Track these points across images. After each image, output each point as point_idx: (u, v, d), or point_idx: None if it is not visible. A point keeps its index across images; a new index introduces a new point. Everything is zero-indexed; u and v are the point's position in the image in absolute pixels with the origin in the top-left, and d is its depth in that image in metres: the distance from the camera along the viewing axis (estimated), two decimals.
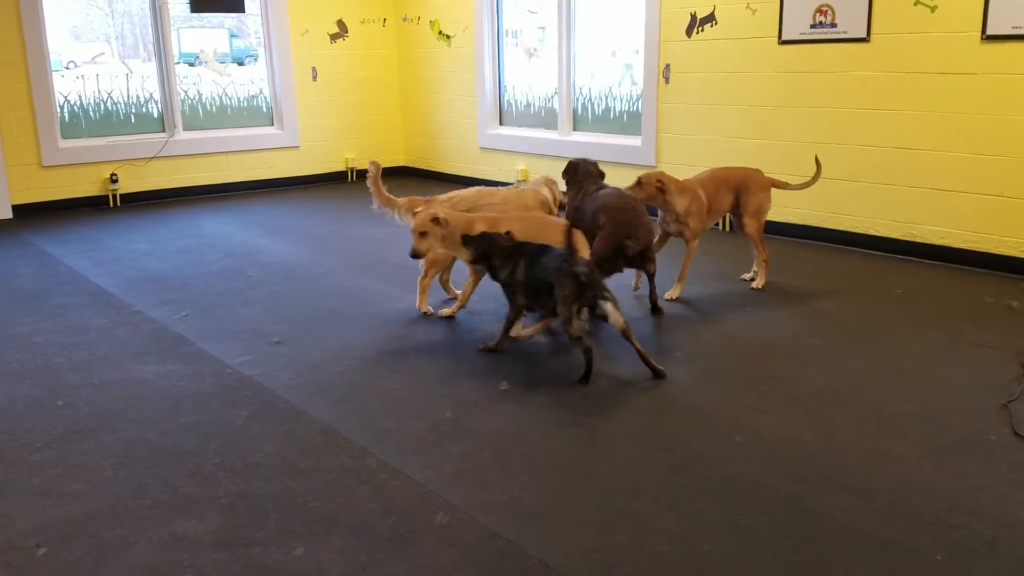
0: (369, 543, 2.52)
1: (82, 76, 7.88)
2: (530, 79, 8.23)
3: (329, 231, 6.90)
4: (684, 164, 6.74)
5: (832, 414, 3.36)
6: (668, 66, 6.72)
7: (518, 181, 7.52)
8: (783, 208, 6.19)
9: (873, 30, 5.52)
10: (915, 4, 5.32)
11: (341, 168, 9.13)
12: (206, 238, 6.63)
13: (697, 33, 6.49)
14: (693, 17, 6.49)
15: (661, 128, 6.89)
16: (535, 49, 8.36)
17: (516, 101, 8.38)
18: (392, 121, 9.43)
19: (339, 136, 9.07)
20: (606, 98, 7.56)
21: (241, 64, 8.88)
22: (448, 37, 8.63)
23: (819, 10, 5.75)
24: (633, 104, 7.28)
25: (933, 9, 5.24)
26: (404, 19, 9.08)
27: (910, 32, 5.36)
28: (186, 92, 8.28)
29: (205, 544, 2.52)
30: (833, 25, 5.70)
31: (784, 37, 5.98)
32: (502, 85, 8.44)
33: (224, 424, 3.35)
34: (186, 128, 8.26)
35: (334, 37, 8.82)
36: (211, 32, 8.66)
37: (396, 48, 9.26)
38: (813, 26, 5.80)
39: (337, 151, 9.08)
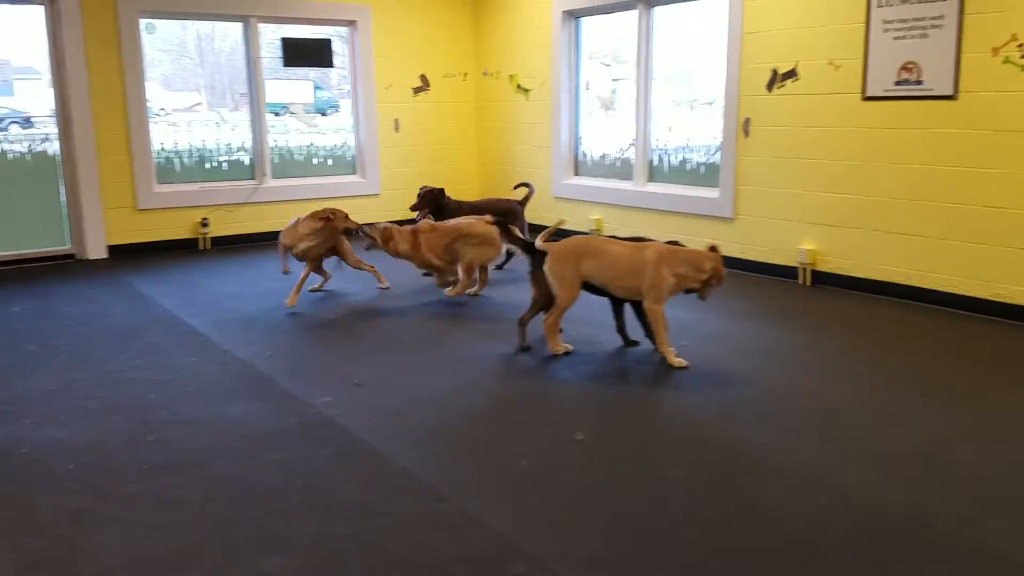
0: None
1: (174, 124, 8.28)
2: (606, 130, 8.34)
3: (404, 276, 7.03)
4: (762, 216, 6.71)
5: (919, 476, 3.26)
6: (748, 120, 6.73)
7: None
8: (865, 265, 6.09)
9: (961, 88, 5.44)
10: (1004, 63, 5.23)
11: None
12: (290, 281, 6.82)
13: (778, 88, 6.49)
14: (774, 73, 6.51)
15: (740, 180, 6.87)
16: (612, 101, 8.47)
17: (591, 152, 8.49)
18: (468, 170, 9.65)
19: (417, 184, 9.22)
20: (683, 150, 7.59)
21: (324, 114, 9.23)
22: (526, 90, 8.83)
23: (904, 67, 5.70)
24: (711, 156, 7.30)
25: (1023, 68, 5.15)
26: (485, 74, 9.33)
27: (998, 90, 5.27)
28: (276, 141, 8.63)
29: None
30: (919, 82, 5.64)
31: (868, 93, 5.93)
32: (578, 136, 8.56)
33: (307, 463, 3.43)
34: (275, 176, 8.59)
35: (417, 90, 9.11)
36: (296, 84, 9.03)
37: (475, 101, 9.51)
38: (898, 83, 5.75)
39: (414, 198, 9.28)
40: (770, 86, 6.56)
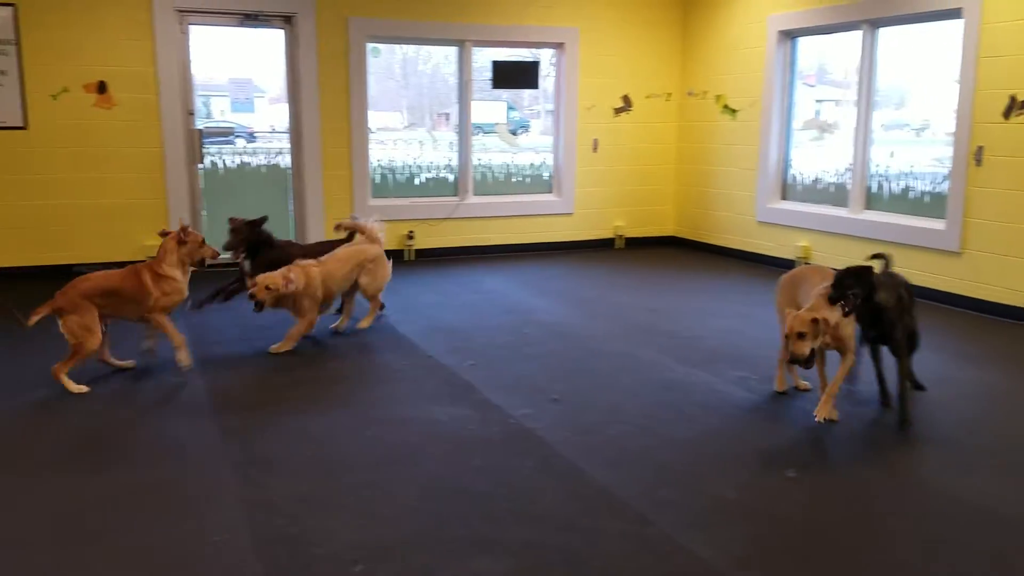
0: None
1: (381, 142, 8.74)
2: (819, 154, 8.00)
3: (597, 295, 7.07)
4: (993, 252, 6.16)
5: None
6: (980, 148, 6.22)
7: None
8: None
9: None
10: None
11: (609, 236, 9.37)
12: (487, 294, 7.06)
13: (1016, 115, 5.96)
14: (1012, 100, 5.98)
15: (969, 212, 6.35)
16: (827, 124, 8.12)
17: (801, 176, 8.16)
18: (665, 192, 9.56)
19: (611, 205, 9.34)
20: (905, 176, 7.13)
21: (515, 134, 9.46)
22: (734, 111, 8.64)
23: None
24: (937, 185, 6.81)
25: None
26: (690, 94, 9.23)
27: None
28: (479, 160, 8.97)
29: None
30: None
31: None
32: (788, 159, 8.26)
33: (511, 472, 3.51)
34: (476, 193, 8.92)
35: (618, 111, 9.16)
36: (492, 104, 9.33)
37: (677, 121, 9.42)
38: None
39: (607, 219, 9.35)
40: (1007, 114, 6.03)
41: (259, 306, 5.01)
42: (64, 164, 7.25)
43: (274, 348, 5.16)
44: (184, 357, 4.67)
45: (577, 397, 4.48)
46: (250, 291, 5.01)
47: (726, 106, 8.73)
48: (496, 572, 2.72)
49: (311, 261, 5.32)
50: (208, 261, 4.88)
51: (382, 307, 6.01)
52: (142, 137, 7.44)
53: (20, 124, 7.06)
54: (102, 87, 7.26)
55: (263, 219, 5.73)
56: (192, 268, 4.84)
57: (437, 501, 3.23)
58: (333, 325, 5.72)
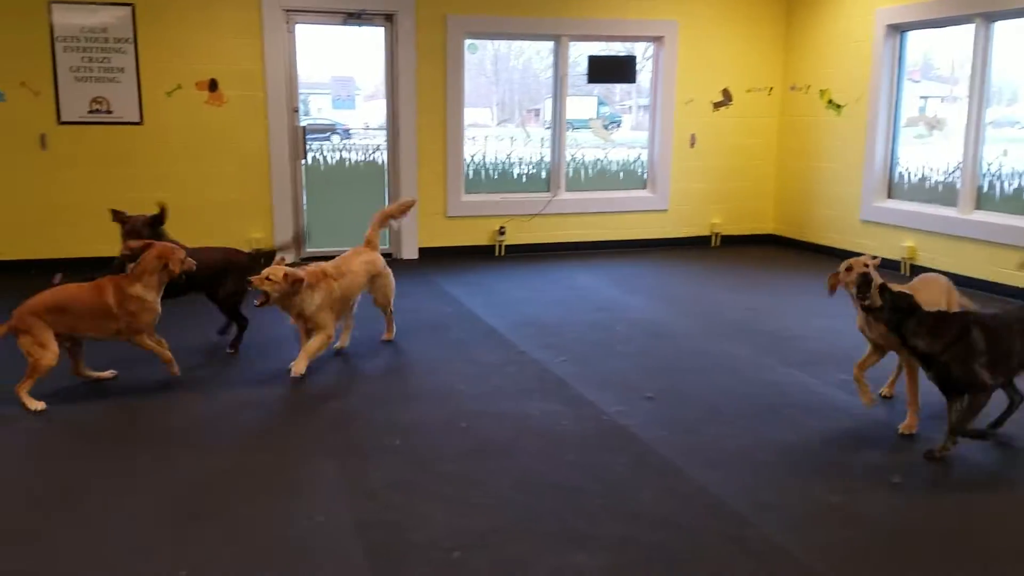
0: None
1: (472, 138, 8.79)
2: (927, 151, 7.65)
3: (692, 293, 6.96)
4: None
5: None
6: None
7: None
8: None
9: None
10: None
11: (705, 233, 9.19)
12: (578, 290, 7.03)
13: None
14: None
15: None
16: (936, 120, 7.77)
17: (908, 173, 7.83)
18: (764, 189, 9.32)
19: (708, 201, 9.16)
20: (1019, 177, 6.75)
21: (606, 128, 9.38)
22: (839, 106, 8.35)
23: None
24: None
25: None
26: (792, 88, 8.97)
27: None
28: (572, 155, 8.94)
29: None
30: None
31: None
32: (894, 156, 7.94)
33: (605, 468, 3.49)
34: (569, 189, 8.90)
35: (717, 105, 8.97)
36: (582, 100, 9.26)
37: (778, 116, 9.17)
38: None
39: (704, 216, 9.17)
40: None
41: (264, 299, 4.45)
42: (176, 159, 7.58)
43: (294, 371, 4.49)
44: (174, 370, 4.45)
45: (672, 395, 4.41)
46: (251, 279, 4.49)
47: (830, 101, 8.45)
48: (592, 567, 2.71)
49: (330, 270, 4.74)
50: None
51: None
52: (249, 133, 7.71)
53: (136, 120, 7.42)
54: (213, 85, 7.56)
55: (163, 215, 5.13)
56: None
57: (531, 494, 3.24)
58: (336, 345, 5.09)
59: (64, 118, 7.24)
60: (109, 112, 7.33)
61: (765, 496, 3.24)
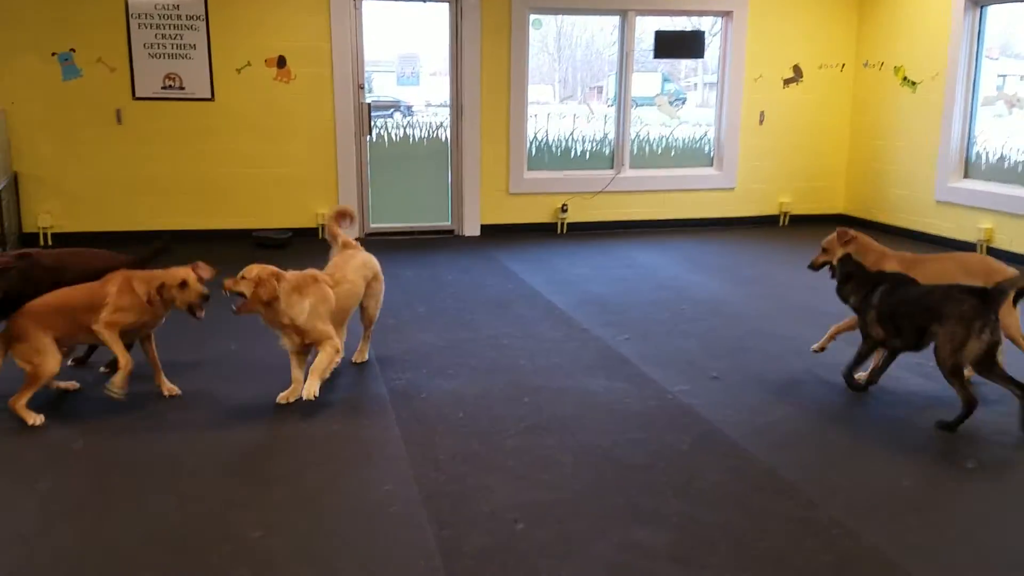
0: None
1: (534, 115, 8.72)
2: (1007, 131, 7.35)
3: (759, 273, 6.83)
4: None
5: None
6: None
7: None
8: None
9: None
10: None
11: (774, 212, 9.01)
12: (640, 269, 6.97)
13: None
14: None
15: None
16: (1017, 99, 7.45)
17: (986, 153, 7.54)
18: (835, 167, 9.08)
19: (776, 180, 8.97)
20: None
21: (671, 105, 9.21)
22: (913, 84, 8.07)
23: None
24: None
25: None
26: (865, 65, 8.69)
27: None
28: (636, 132, 8.83)
29: (661, 556, 2.63)
30: None
31: None
32: (971, 135, 7.65)
33: (669, 447, 3.47)
34: (632, 166, 8.81)
35: (787, 82, 8.75)
36: (645, 76, 9.10)
37: (851, 93, 8.90)
38: None
39: (772, 195, 8.99)
40: None
41: (242, 304, 3.80)
42: (246, 134, 7.73)
43: (305, 393, 3.77)
44: (119, 381, 3.78)
45: (738, 375, 4.36)
46: (225, 283, 3.84)
47: (905, 78, 8.16)
48: (657, 543, 2.71)
49: (325, 276, 4.08)
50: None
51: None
52: (316, 110, 7.81)
53: (208, 96, 7.59)
54: (281, 61, 7.67)
55: (27, 260, 3.94)
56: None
57: (594, 469, 3.25)
58: (354, 359, 4.55)
59: (139, 94, 7.44)
60: (181, 88, 7.50)
61: (833, 479, 3.19)
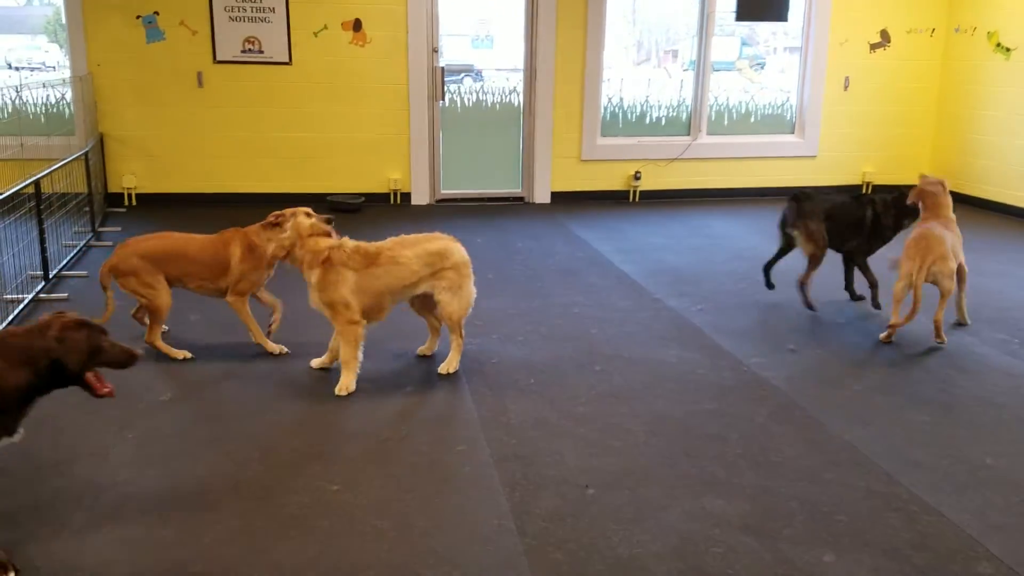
0: (903, 571, 2.37)
1: (607, 80, 8.57)
2: None
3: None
4: None
5: None
6: None
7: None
8: None
9: None
10: None
11: (856, 181, 8.73)
12: (716, 239, 6.84)
13: None
14: None
15: None
16: None
17: None
18: (922, 136, 8.72)
19: (860, 148, 8.67)
20: None
21: (751, 69, 8.95)
22: (1008, 50, 7.66)
23: None
24: None
25: None
26: (956, 30, 8.29)
27: None
28: (715, 98, 8.62)
29: (734, 526, 2.61)
30: None
31: None
32: None
33: (744, 418, 3.42)
34: (710, 133, 8.62)
35: (874, 47, 8.41)
36: (723, 40, 8.84)
37: (941, 60, 8.51)
38: None
39: (855, 163, 8.71)
40: None
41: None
42: (322, 98, 7.82)
43: (338, 389, 3.61)
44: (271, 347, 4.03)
45: (817, 348, 4.26)
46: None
47: (999, 44, 7.76)
48: (730, 513, 2.68)
49: (371, 250, 3.67)
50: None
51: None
52: (390, 74, 7.84)
53: (286, 60, 7.68)
54: (357, 25, 7.71)
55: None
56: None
57: (667, 438, 3.22)
58: (420, 350, 4.15)
59: (219, 57, 7.58)
60: (260, 52, 7.62)
61: (915, 454, 3.10)
